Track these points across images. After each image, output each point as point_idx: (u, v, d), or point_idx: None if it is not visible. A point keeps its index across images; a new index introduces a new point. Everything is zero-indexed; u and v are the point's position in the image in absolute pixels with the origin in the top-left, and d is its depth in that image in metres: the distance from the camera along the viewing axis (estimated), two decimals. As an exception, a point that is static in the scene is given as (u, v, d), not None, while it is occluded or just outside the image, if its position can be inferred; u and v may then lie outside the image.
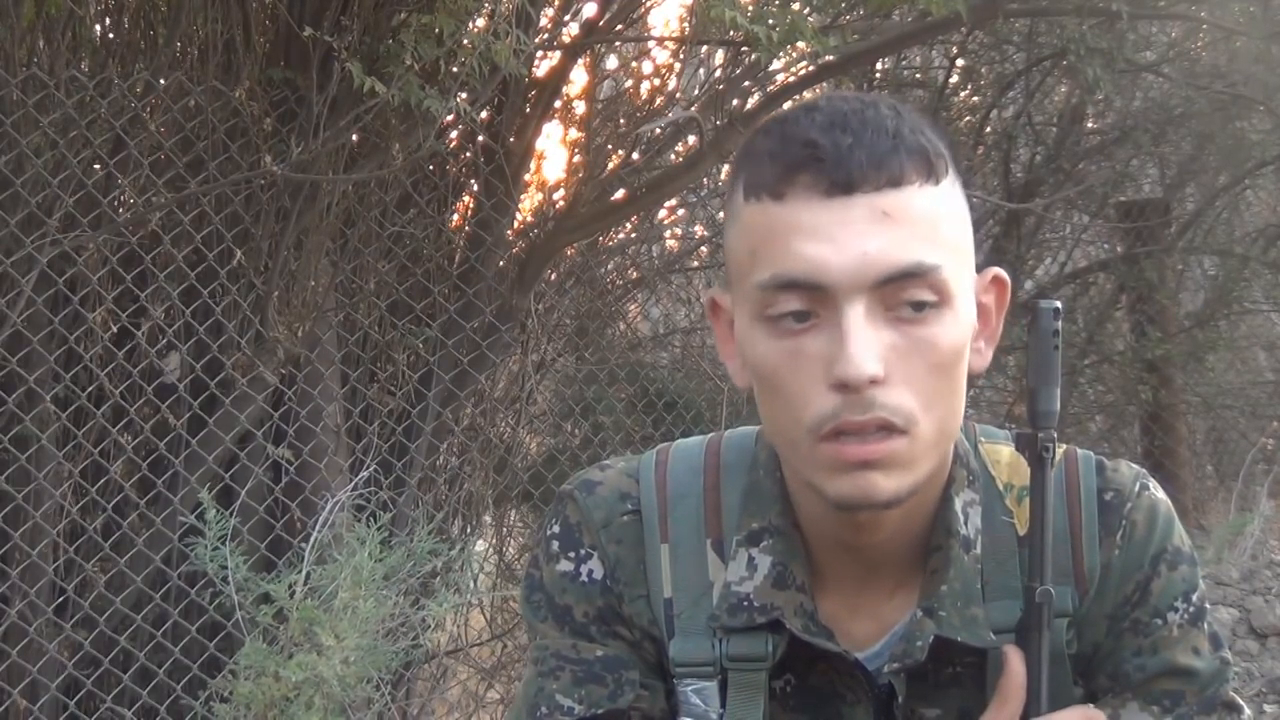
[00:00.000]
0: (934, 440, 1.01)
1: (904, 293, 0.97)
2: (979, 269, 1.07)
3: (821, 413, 0.98)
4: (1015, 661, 1.04)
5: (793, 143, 0.99)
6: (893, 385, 0.98)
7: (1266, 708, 4.07)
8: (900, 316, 0.98)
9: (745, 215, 1.02)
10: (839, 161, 0.97)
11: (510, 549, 4.36)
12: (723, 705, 1.09)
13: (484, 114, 3.70)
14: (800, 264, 0.98)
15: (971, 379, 1.07)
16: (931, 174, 1.00)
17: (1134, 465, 1.15)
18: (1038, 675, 1.04)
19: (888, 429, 0.98)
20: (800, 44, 3.22)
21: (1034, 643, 1.05)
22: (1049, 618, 1.04)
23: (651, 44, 4.34)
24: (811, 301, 0.98)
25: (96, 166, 3.13)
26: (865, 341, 0.96)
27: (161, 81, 3.15)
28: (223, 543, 2.70)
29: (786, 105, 4.03)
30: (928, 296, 0.98)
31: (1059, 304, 1.07)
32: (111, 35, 3.32)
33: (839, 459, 0.99)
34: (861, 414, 0.97)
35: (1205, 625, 1.12)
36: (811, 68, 3.99)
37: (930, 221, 0.99)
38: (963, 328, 1.01)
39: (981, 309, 1.06)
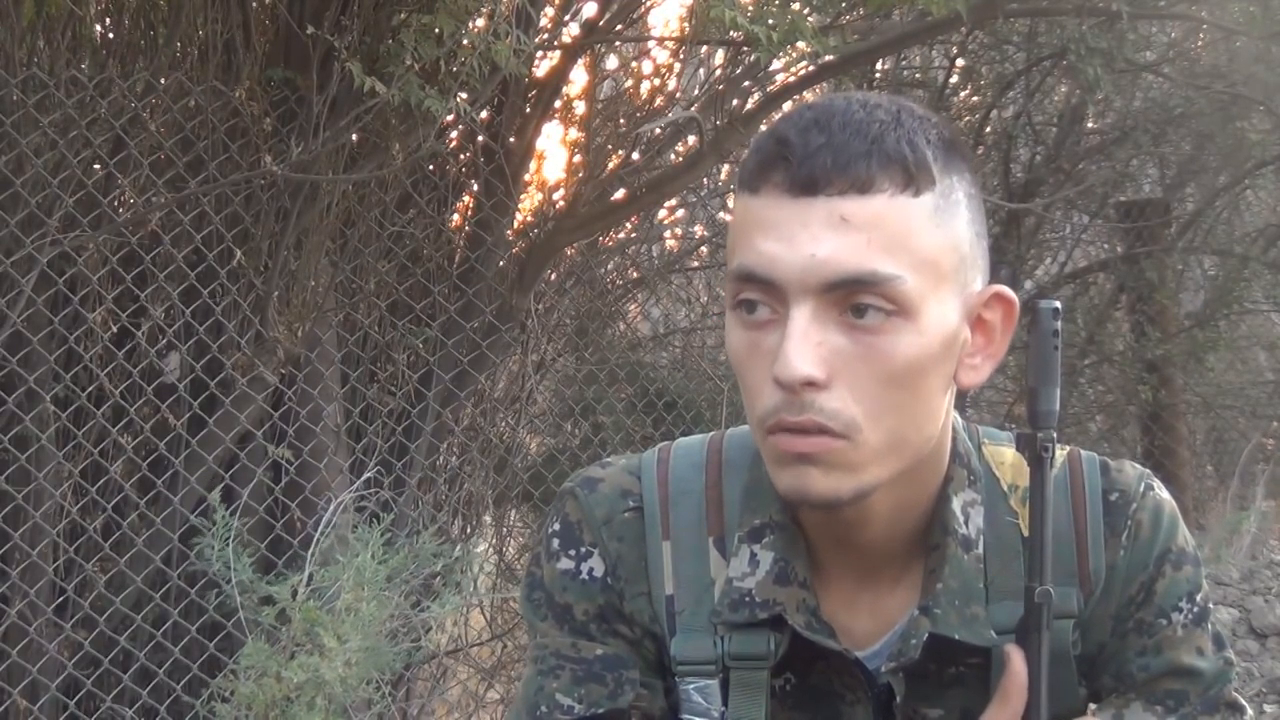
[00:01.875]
0: (883, 449, 1.00)
1: (854, 298, 0.97)
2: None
3: (767, 407, 0.99)
4: (1017, 661, 1.04)
5: (772, 139, 1.00)
6: (835, 390, 0.97)
7: (1267, 708, 4.07)
8: (852, 323, 0.97)
9: (735, 205, 1.05)
10: (804, 161, 0.97)
11: (510, 549, 4.36)
12: (724, 703, 1.09)
13: (484, 114, 3.70)
14: (758, 259, 0.98)
15: (964, 392, 1.07)
16: (910, 184, 0.98)
17: (1138, 466, 1.15)
18: (1038, 675, 1.04)
19: (824, 432, 0.98)
20: (800, 44, 3.21)
21: (1034, 643, 1.04)
22: (1048, 618, 1.04)
23: (651, 44, 4.34)
24: (769, 297, 0.99)
25: (96, 166, 3.12)
26: (803, 343, 0.96)
27: (161, 81, 3.15)
28: (227, 543, 2.70)
29: (786, 105, 4.03)
30: (880, 305, 0.97)
31: (1059, 304, 1.07)
32: (111, 35, 3.32)
33: (778, 451, 1.00)
34: (797, 414, 0.98)
35: (1209, 625, 1.12)
36: (811, 68, 3.99)
37: (897, 232, 0.97)
38: (926, 341, 0.99)
39: (983, 325, 1.05)
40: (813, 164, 0.97)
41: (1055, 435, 1.05)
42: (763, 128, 3.77)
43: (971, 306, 1.03)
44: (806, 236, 0.97)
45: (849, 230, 0.97)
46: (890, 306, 0.97)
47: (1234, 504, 5.60)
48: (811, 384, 0.97)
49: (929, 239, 0.99)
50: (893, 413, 0.99)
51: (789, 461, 1.00)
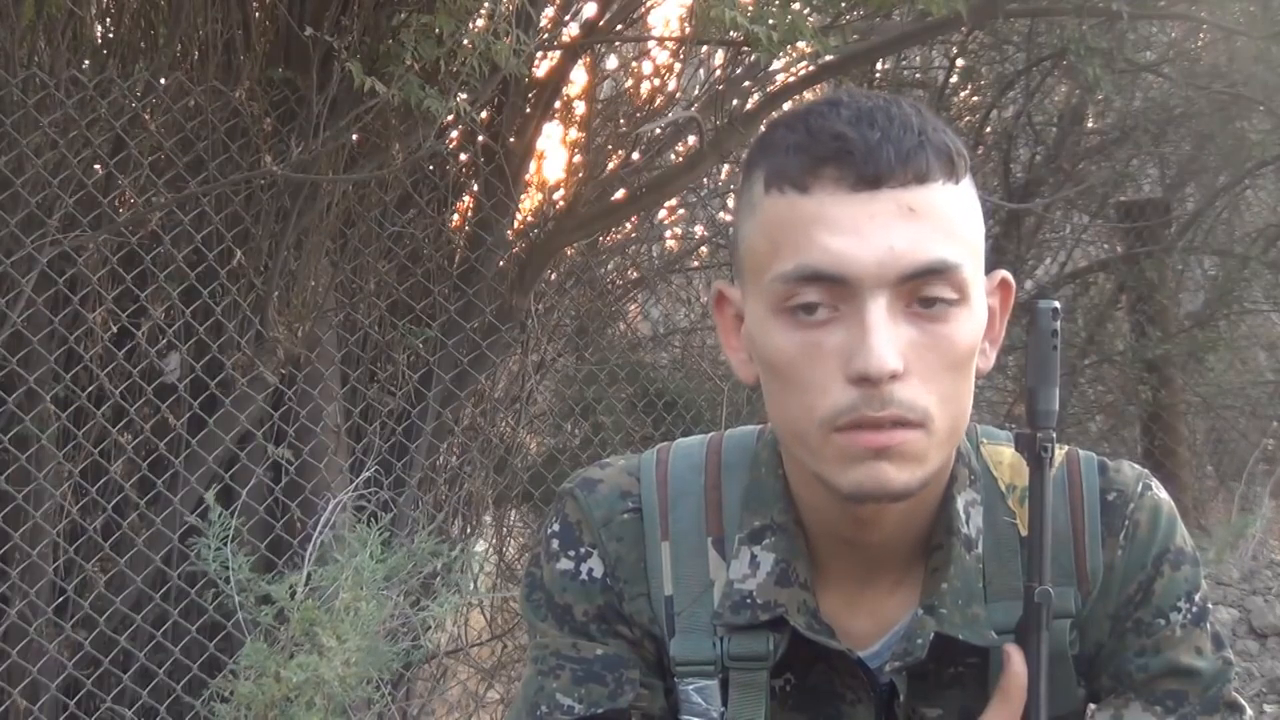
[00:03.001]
0: (946, 436, 1.01)
1: (925, 289, 0.98)
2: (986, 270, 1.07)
3: (838, 405, 0.98)
4: (1017, 660, 1.04)
5: (821, 135, 0.99)
6: (910, 381, 0.98)
7: (1267, 708, 4.07)
8: (919, 313, 0.98)
9: (766, 207, 1.02)
10: (868, 155, 0.97)
11: (510, 549, 4.36)
12: (724, 704, 1.09)
13: (484, 114, 3.70)
14: (825, 256, 0.97)
15: (976, 387, 1.07)
16: (953, 173, 1.00)
17: (1136, 466, 1.15)
18: (1037, 675, 1.04)
19: (901, 423, 0.98)
20: (800, 44, 3.21)
21: (1033, 643, 1.04)
22: (1048, 618, 1.04)
23: (651, 44, 4.34)
24: (833, 295, 0.98)
25: (96, 166, 3.12)
26: (887, 336, 0.96)
27: (161, 81, 3.15)
28: (225, 543, 2.70)
29: (786, 105, 4.03)
30: (948, 294, 0.98)
31: (1058, 304, 1.07)
32: (111, 35, 3.32)
33: (853, 448, 0.98)
34: (879, 409, 0.97)
35: (1208, 625, 1.12)
36: (811, 68, 3.99)
37: (951, 219, 0.99)
38: (977, 326, 1.01)
39: (989, 310, 1.06)
40: (877, 157, 0.97)
41: (1054, 435, 1.05)
42: (763, 127, 3.78)
43: (986, 291, 1.05)
44: (877, 229, 0.97)
45: (917, 221, 0.97)
46: (955, 295, 0.98)
47: (1239, 506, 5.59)
48: (894, 376, 0.97)
49: (971, 224, 1.02)
50: (954, 399, 1.00)
51: (863, 458, 0.98)
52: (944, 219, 0.98)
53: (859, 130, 0.98)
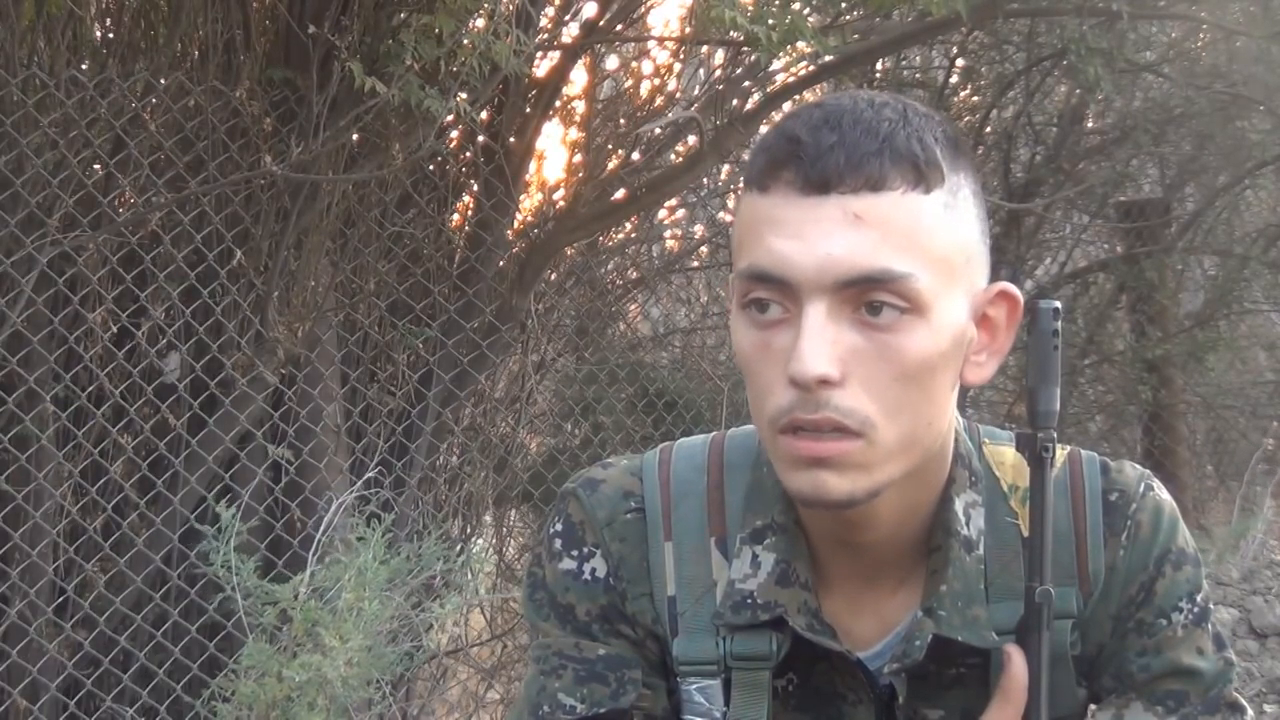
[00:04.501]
0: (896, 447, 1.00)
1: (868, 296, 0.97)
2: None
3: (779, 406, 0.99)
4: (1017, 661, 1.04)
5: (782, 137, 1.00)
6: (849, 388, 0.97)
7: (1267, 708, 4.07)
8: (866, 320, 0.97)
9: (740, 204, 1.04)
10: (816, 160, 0.97)
11: (510, 549, 4.36)
12: (726, 704, 1.09)
13: (484, 114, 3.70)
14: (770, 258, 0.98)
15: (966, 389, 1.07)
16: (920, 182, 0.98)
17: (1138, 466, 1.15)
18: (1038, 675, 1.04)
19: (840, 430, 0.98)
20: (800, 44, 3.21)
21: (1034, 643, 1.04)
22: (1049, 618, 1.04)
23: (651, 44, 4.34)
24: (780, 295, 0.98)
25: (96, 166, 3.12)
26: (819, 342, 0.96)
27: (161, 81, 3.15)
28: (228, 544, 2.69)
29: (786, 105, 4.03)
30: (894, 302, 0.97)
31: (1058, 304, 1.07)
32: (111, 35, 3.32)
33: (792, 453, 0.99)
34: (813, 413, 0.97)
35: (1209, 626, 1.12)
36: (811, 68, 3.99)
37: (909, 230, 0.97)
38: (938, 339, 0.99)
39: (988, 322, 1.05)
40: (825, 162, 0.97)
41: (1055, 435, 1.05)
42: (764, 127, 3.78)
43: (978, 304, 1.03)
44: (819, 234, 0.97)
45: (862, 228, 0.96)
46: (903, 304, 0.97)
47: (1240, 507, 5.59)
48: (827, 382, 0.96)
49: (940, 236, 0.99)
50: (906, 411, 0.99)
51: (803, 465, 0.99)
52: (898, 228, 0.97)
53: (816, 134, 0.98)
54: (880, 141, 0.97)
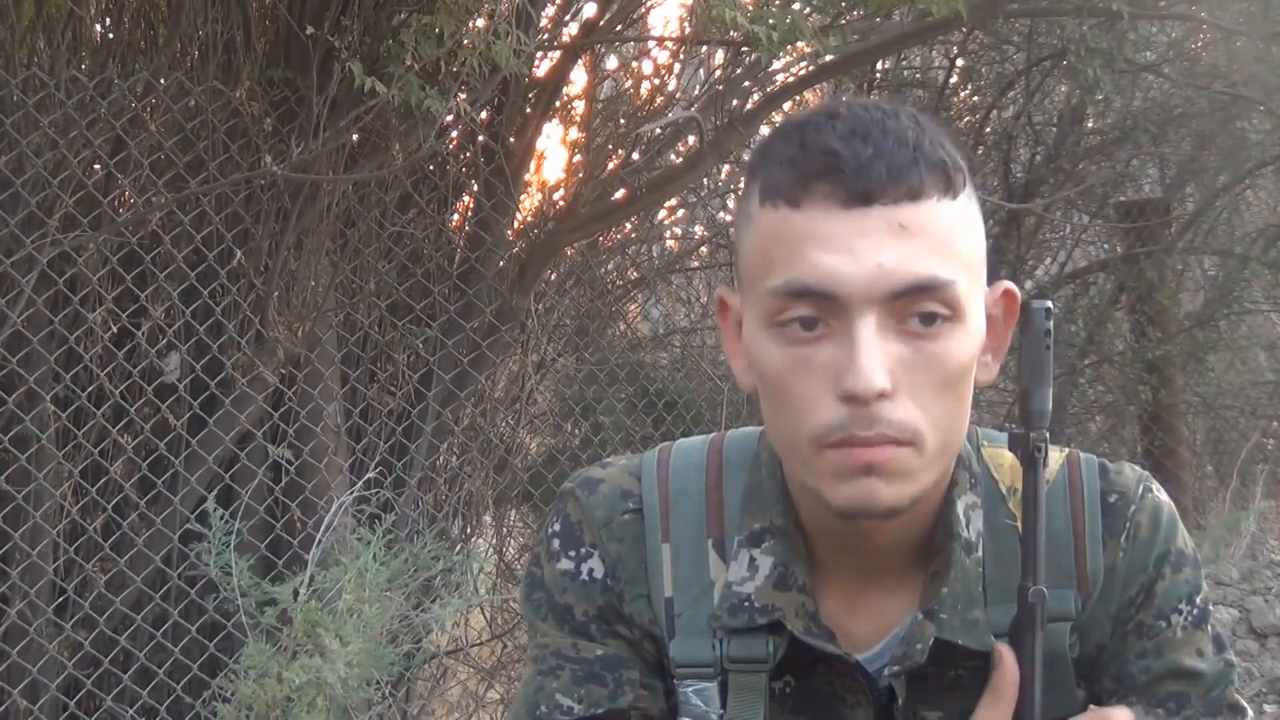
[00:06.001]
0: (937, 453, 1.00)
1: (916, 306, 0.97)
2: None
3: (827, 423, 0.98)
4: (1008, 659, 1.04)
5: (813, 150, 0.98)
6: (899, 399, 0.97)
7: (1267, 708, 4.07)
8: (910, 330, 0.97)
9: (760, 220, 1.01)
10: (859, 172, 0.97)
11: (510, 549, 4.36)
12: (723, 706, 1.09)
13: (484, 114, 3.70)
14: (814, 273, 0.97)
15: (976, 390, 1.07)
16: (950, 188, 0.99)
17: (1137, 468, 1.15)
18: (1031, 675, 1.04)
19: (889, 442, 0.98)
20: (800, 44, 3.21)
21: (1027, 643, 1.04)
22: (1042, 617, 1.04)
23: (651, 44, 4.34)
24: (823, 311, 0.98)
25: (96, 166, 3.12)
26: (875, 355, 0.96)
27: (161, 81, 3.15)
28: (226, 545, 2.70)
29: (786, 105, 4.03)
30: (940, 310, 0.97)
31: (1050, 303, 1.06)
32: (111, 35, 3.32)
33: (843, 464, 0.98)
34: (867, 429, 0.97)
35: (1209, 627, 1.12)
36: (811, 68, 3.99)
37: (946, 236, 0.98)
38: (972, 342, 1.00)
39: (990, 321, 1.05)
40: (868, 174, 0.96)
41: (1048, 435, 1.05)
42: (764, 128, 3.78)
43: (986, 304, 1.04)
44: (868, 246, 0.96)
45: (908, 238, 0.97)
46: (947, 311, 0.98)
47: (1234, 503, 5.60)
48: (882, 395, 0.96)
49: (968, 240, 1.00)
50: (947, 417, 1.00)
51: (853, 474, 0.98)
52: (937, 236, 0.98)
53: (851, 146, 0.97)
54: (914, 151, 0.98)
